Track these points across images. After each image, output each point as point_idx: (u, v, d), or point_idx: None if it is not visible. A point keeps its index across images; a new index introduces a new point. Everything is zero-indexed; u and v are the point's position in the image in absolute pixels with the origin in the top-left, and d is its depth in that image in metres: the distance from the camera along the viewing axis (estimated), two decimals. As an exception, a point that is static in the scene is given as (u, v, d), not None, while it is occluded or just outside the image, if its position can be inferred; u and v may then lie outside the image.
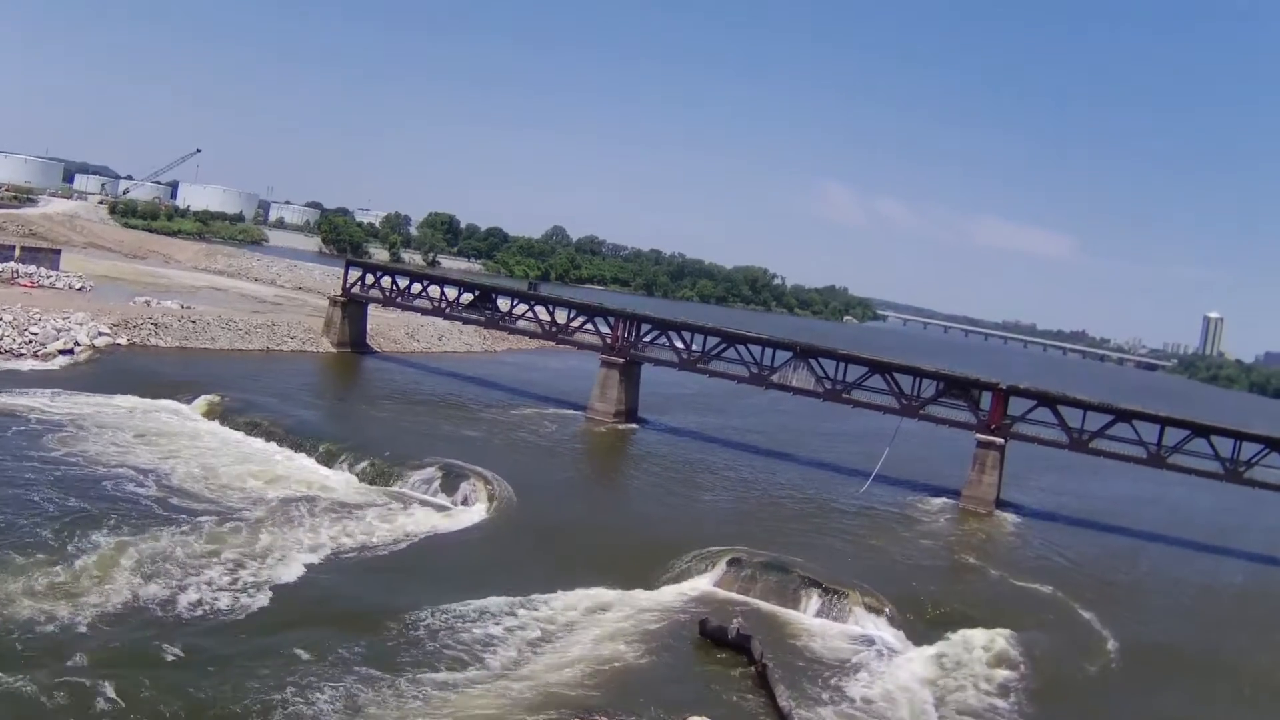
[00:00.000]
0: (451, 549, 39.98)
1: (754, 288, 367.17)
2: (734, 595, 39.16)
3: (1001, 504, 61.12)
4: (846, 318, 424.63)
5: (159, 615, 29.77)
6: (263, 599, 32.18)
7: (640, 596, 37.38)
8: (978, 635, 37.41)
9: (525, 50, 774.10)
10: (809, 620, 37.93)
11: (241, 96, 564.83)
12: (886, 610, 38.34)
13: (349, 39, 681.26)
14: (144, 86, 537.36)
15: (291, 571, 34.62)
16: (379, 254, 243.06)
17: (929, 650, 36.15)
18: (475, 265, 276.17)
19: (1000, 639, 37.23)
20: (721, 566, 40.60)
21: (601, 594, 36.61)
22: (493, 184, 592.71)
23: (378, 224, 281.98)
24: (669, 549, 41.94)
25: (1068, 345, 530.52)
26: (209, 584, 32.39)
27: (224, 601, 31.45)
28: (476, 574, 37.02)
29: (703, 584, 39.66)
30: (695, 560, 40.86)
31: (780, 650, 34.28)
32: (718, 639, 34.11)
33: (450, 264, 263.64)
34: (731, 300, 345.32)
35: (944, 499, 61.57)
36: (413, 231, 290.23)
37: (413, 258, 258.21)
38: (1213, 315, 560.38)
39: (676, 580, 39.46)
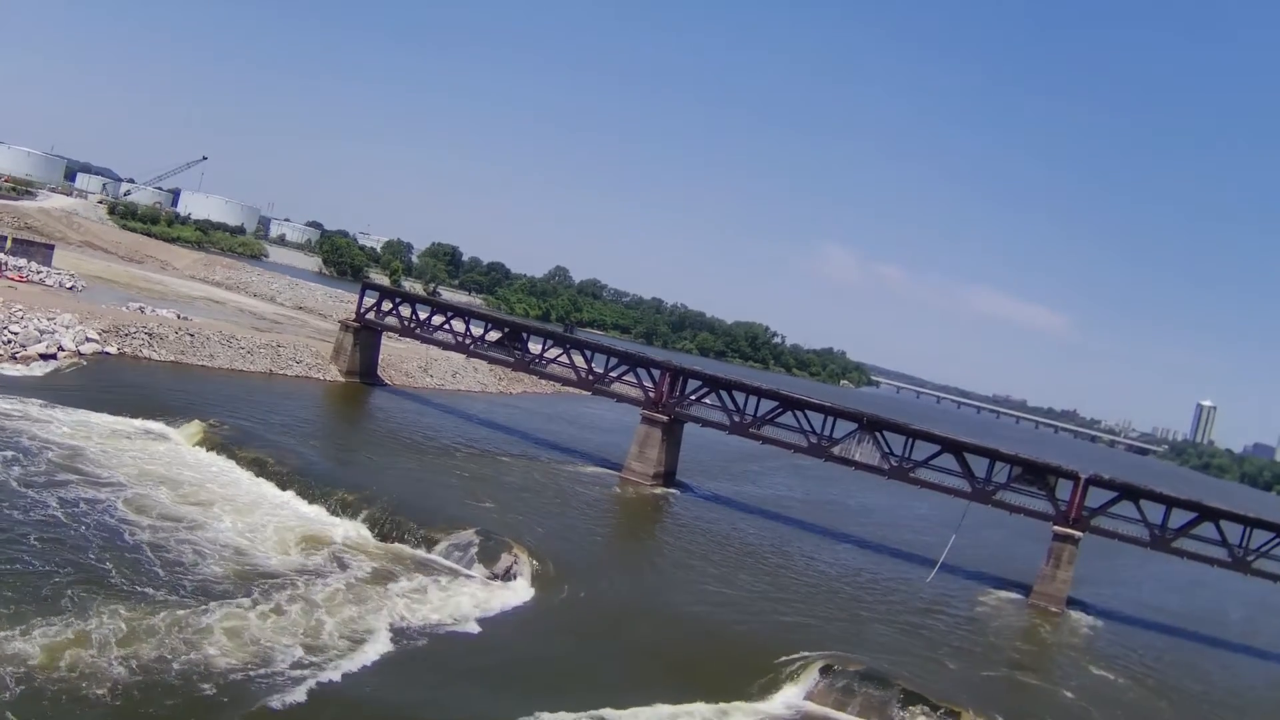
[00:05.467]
0: (495, 639, 32.98)
1: (753, 344, 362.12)
2: (830, 712, 33.03)
3: (1071, 601, 56.10)
4: (843, 382, 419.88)
5: None
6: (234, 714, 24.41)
7: (729, 713, 30.85)
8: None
9: (536, 88, 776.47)
10: (921, 750, 31.51)
11: (249, 112, 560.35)
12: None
13: (362, 60, 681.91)
14: (152, 94, 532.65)
15: (295, 671, 27.51)
16: (379, 279, 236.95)
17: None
18: (475, 299, 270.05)
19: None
20: (814, 675, 34.36)
21: (684, 711, 30.04)
22: (496, 219, 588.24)
23: (379, 249, 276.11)
24: (746, 649, 35.99)
25: (1059, 424, 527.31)
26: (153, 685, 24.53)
27: None
28: (529, 675, 30.48)
29: (793, 696, 33.40)
30: (782, 667, 34.46)
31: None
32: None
33: (451, 295, 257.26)
34: (730, 355, 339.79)
35: (1012, 594, 57.06)
36: (414, 260, 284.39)
37: (413, 286, 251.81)
38: (1206, 404, 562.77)
39: (765, 691, 33.11)
